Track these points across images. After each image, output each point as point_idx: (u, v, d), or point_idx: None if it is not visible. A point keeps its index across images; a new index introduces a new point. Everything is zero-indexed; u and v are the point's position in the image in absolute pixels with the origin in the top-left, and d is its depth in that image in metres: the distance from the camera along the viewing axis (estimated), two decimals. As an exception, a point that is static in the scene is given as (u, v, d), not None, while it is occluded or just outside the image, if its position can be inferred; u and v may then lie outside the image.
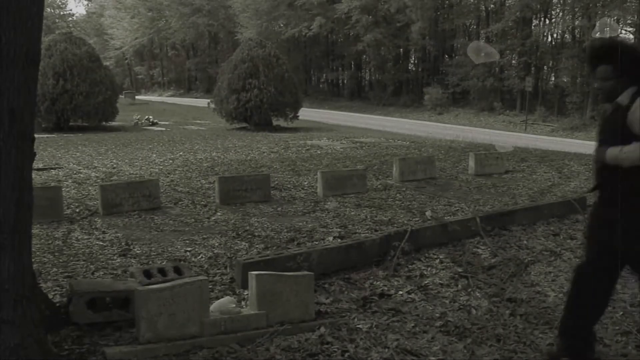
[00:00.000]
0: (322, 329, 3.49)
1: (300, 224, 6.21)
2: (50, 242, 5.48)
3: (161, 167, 10.58)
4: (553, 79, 33.49)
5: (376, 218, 6.46)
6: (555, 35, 33.95)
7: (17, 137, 2.66)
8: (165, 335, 3.20)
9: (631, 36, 30.79)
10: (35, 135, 2.89)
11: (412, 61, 42.98)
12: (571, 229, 6.11)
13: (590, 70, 3.00)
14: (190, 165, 10.73)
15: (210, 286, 3.97)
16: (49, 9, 61.00)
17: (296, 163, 11.05)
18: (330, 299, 4.07)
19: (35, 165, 3.41)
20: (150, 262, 4.88)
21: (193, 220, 6.48)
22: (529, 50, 31.63)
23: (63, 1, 71.12)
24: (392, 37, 37.82)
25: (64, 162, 11.09)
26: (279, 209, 7.07)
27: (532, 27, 32.95)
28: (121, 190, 6.80)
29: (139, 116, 23.54)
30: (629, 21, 28.95)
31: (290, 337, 3.42)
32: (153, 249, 5.31)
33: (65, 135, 17.33)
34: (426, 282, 4.44)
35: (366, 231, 5.81)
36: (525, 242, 5.57)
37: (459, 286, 4.35)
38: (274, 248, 5.28)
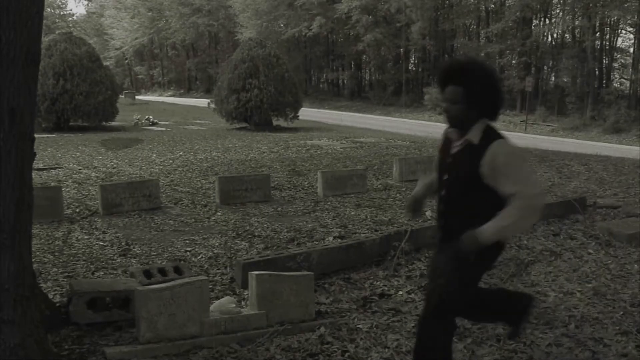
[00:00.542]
0: (322, 329, 3.49)
1: (300, 224, 6.22)
2: (50, 242, 5.48)
3: (161, 167, 10.58)
4: (553, 79, 33.49)
5: (376, 218, 6.46)
6: (555, 35, 33.97)
7: (17, 137, 2.66)
8: (165, 335, 3.20)
9: (631, 36, 30.88)
10: (35, 135, 2.89)
11: (412, 61, 42.98)
12: (571, 229, 6.11)
13: (440, 88, 2.61)
14: (191, 165, 10.73)
15: (210, 286, 3.97)
16: (49, 9, 61.00)
17: (296, 163, 11.04)
18: (330, 299, 4.07)
19: (35, 165, 3.41)
20: (150, 262, 4.88)
21: (193, 220, 6.48)
22: (529, 50, 31.63)
23: (63, 1, 71.21)
24: (392, 37, 37.82)
25: (64, 162, 11.09)
26: (279, 209, 7.07)
27: (532, 27, 32.96)
28: (121, 190, 6.80)
29: (139, 116, 23.53)
30: (629, 21, 28.94)
31: (290, 337, 3.42)
32: (153, 249, 5.31)
33: (65, 135, 17.33)
34: (426, 282, 4.44)
35: (366, 231, 5.81)
36: (525, 242, 5.57)
37: (459, 286, 4.35)
38: (274, 248, 5.28)
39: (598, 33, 29.99)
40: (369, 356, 3.21)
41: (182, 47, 59.15)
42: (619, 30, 32.00)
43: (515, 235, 5.42)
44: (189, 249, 5.31)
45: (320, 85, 49.27)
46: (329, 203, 7.35)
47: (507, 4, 33.38)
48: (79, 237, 5.68)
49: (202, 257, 5.03)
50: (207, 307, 3.40)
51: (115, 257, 5.03)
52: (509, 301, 2.89)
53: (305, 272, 3.90)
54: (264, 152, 12.89)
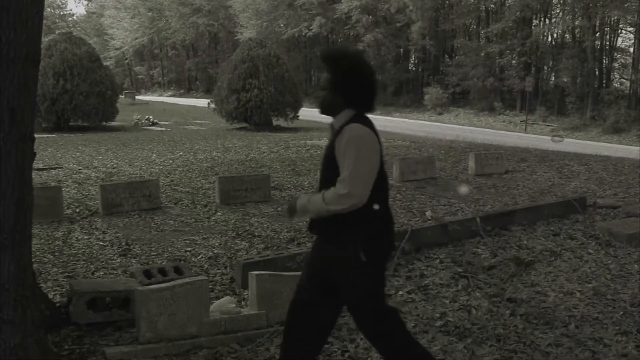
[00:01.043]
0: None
1: (300, 224, 6.21)
2: (50, 242, 5.48)
3: (161, 167, 10.58)
4: (553, 79, 33.48)
5: (376, 218, 6.45)
6: (555, 35, 33.94)
7: (17, 137, 2.66)
8: (165, 335, 3.20)
9: (631, 36, 30.86)
10: (35, 135, 2.89)
11: (412, 61, 42.97)
12: (571, 229, 6.11)
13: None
14: (191, 165, 10.73)
15: (210, 286, 3.97)
16: (49, 9, 61.02)
17: (296, 163, 11.04)
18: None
19: (35, 165, 3.41)
20: (150, 262, 4.88)
21: (193, 220, 6.48)
22: (529, 50, 31.61)
23: (63, 1, 71.20)
24: (392, 37, 37.80)
25: (64, 162, 11.09)
26: (279, 209, 7.07)
27: (532, 27, 32.94)
28: (121, 190, 6.80)
29: (139, 116, 23.54)
30: (629, 21, 28.93)
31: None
32: (153, 249, 5.31)
33: (65, 135, 17.33)
34: (426, 282, 4.44)
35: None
36: (525, 242, 5.57)
37: (459, 286, 4.35)
38: (274, 248, 5.28)
39: (598, 33, 29.97)
40: (369, 356, 3.21)
41: (182, 47, 59.16)
42: (619, 30, 31.99)
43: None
44: (189, 249, 5.31)
45: (320, 85, 49.22)
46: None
47: (507, 4, 33.36)
48: (79, 237, 5.68)
49: (202, 257, 5.04)
50: (207, 307, 3.40)
51: (115, 257, 5.03)
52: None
53: (305, 272, 3.89)
54: (264, 152, 12.89)
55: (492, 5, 34.54)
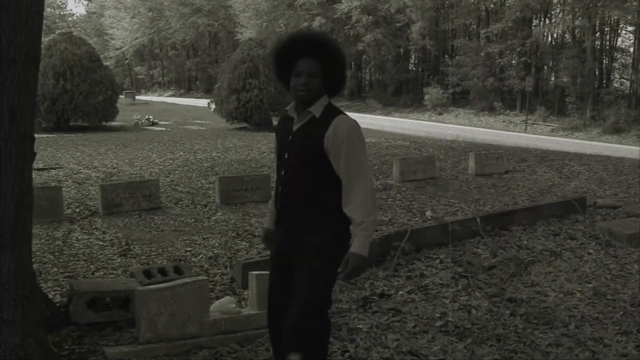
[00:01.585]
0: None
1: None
2: (50, 242, 5.48)
3: (161, 167, 10.58)
4: (553, 79, 33.47)
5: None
6: (555, 35, 33.94)
7: (17, 137, 2.66)
8: (165, 335, 3.20)
9: (631, 36, 30.86)
10: (35, 135, 2.89)
11: (412, 61, 42.96)
12: (571, 229, 6.11)
13: (283, 61, 2.42)
14: (191, 165, 10.73)
15: (210, 286, 3.97)
16: (49, 9, 61.00)
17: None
18: (330, 299, 4.07)
19: (35, 165, 3.41)
20: (150, 262, 4.88)
21: (193, 220, 6.48)
22: (529, 50, 31.60)
23: (63, 1, 71.23)
24: (392, 37, 37.79)
25: (64, 162, 11.09)
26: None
27: (532, 27, 32.93)
28: (121, 190, 6.80)
29: (139, 116, 23.54)
30: (629, 21, 28.92)
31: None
32: (153, 249, 5.31)
33: (65, 135, 17.33)
34: (426, 282, 4.44)
35: (366, 231, 5.80)
36: (525, 242, 5.57)
37: (459, 286, 4.35)
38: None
39: (598, 33, 29.97)
40: (369, 356, 3.21)
41: (182, 47, 59.16)
42: (619, 30, 31.99)
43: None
44: (189, 249, 5.31)
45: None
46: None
47: (507, 4, 33.35)
48: (79, 237, 5.68)
49: (202, 257, 5.04)
50: (207, 307, 3.40)
51: (115, 257, 5.03)
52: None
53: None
54: (264, 152, 12.88)
55: (492, 5, 34.53)
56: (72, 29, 49.16)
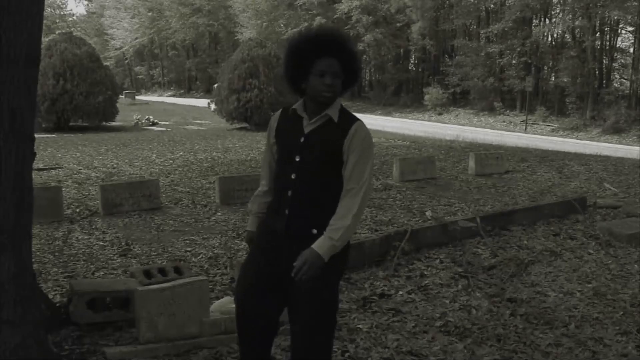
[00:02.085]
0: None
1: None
2: (50, 242, 5.48)
3: (161, 167, 10.58)
4: (553, 79, 33.46)
5: (376, 218, 6.46)
6: (555, 35, 33.94)
7: (17, 137, 2.66)
8: (165, 335, 3.20)
9: (631, 36, 30.85)
10: (36, 135, 2.88)
11: (412, 61, 42.97)
12: (571, 229, 6.11)
13: (301, 61, 2.27)
14: (191, 165, 10.73)
15: (210, 286, 3.97)
16: (49, 9, 61.04)
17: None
18: (330, 299, 4.07)
19: (35, 165, 3.41)
20: (151, 262, 4.88)
21: (193, 220, 6.48)
22: (529, 50, 31.61)
23: (63, 1, 71.21)
24: (392, 37, 37.81)
25: (64, 162, 11.09)
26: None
27: (532, 27, 32.93)
28: (121, 190, 6.80)
29: (139, 116, 23.54)
30: (629, 21, 28.92)
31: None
32: (153, 249, 5.31)
33: (65, 135, 17.33)
34: (426, 282, 4.44)
35: (366, 231, 5.81)
36: (525, 242, 5.57)
37: (459, 286, 4.35)
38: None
39: (598, 33, 29.96)
40: (369, 356, 3.21)
41: (182, 47, 59.17)
42: (619, 31, 31.99)
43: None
44: (189, 249, 5.31)
45: (320, 86, 49.22)
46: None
47: (507, 4, 33.34)
48: (79, 237, 5.68)
49: (202, 257, 5.04)
50: (207, 307, 3.40)
51: (115, 257, 5.03)
52: None
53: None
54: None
55: (492, 5, 34.52)
56: (72, 29, 49.18)
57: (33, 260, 3.09)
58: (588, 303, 4.05)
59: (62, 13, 69.74)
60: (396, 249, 4.92)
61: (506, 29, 31.65)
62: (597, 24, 29.04)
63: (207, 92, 47.10)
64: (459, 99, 35.62)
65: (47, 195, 6.22)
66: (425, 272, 4.66)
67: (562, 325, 3.65)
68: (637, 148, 18.50)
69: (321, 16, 38.98)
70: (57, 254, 5.09)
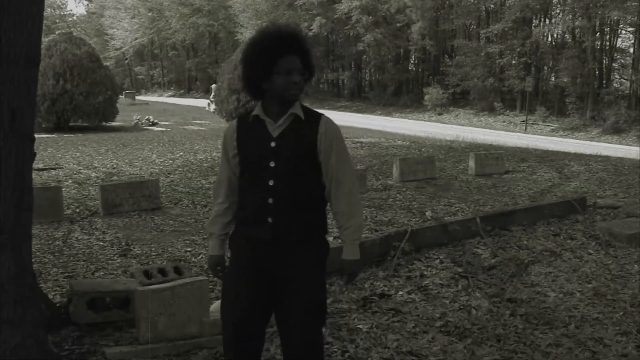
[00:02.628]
0: (322, 329, 3.49)
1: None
2: (50, 242, 5.48)
3: (161, 167, 10.58)
4: (553, 79, 33.47)
5: (376, 218, 6.46)
6: (555, 35, 33.94)
7: (17, 137, 2.66)
8: (165, 336, 3.20)
9: (631, 36, 30.84)
10: (36, 135, 2.88)
11: (412, 61, 42.95)
12: (571, 229, 6.11)
13: (265, 59, 2.17)
14: (191, 165, 10.73)
15: (210, 286, 3.97)
16: (49, 9, 61.03)
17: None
18: (330, 299, 4.06)
19: (35, 165, 3.41)
20: (150, 262, 4.88)
21: (193, 220, 6.48)
22: (529, 50, 31.61)
23: (63, 1, 71.21)
24: (392, 37, 37.80)
25: (64, 162, 11.09)
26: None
27: (532, 27, 32.93)
28: (121, 191, 6.80)
29: (139, 116, 23.54)
30: (629, 21, 28.92)
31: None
32: (153, 249, 5.31)
33: (65, 135, 17.32)
34: (426, 282, 4.44)
35: (366, 231, 5.81)
36: (525, 242, 5.57)
37: (459, 286, 4.35)
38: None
39: (598, 33, 29.96)
40: (369, 356, 3.21)
41: (182, 48, 59.17)
42: (619, 31, 31.97)
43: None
44: (189, 249, 5.31)
45: (320, 86, 49.24)
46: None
47: (507, 4, 33.34)
48: (79, 238, 5.68)
49: (202, 257, 5.04)
50: (207, 307, 3.40)
51: (115, 258, 5.03)
52: None
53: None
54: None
55: (492, 6, 34.52)
56: (72, 29, 49.19)
57: (33, 260, 3.09)
58: (588, 303, 4.05)
59: (62, 13, 69.72)
60: (396, 249, 4.92)
61: (506, 29, 31.65)
62: (597, 24, 29.03)
63: (207, 93, 47.02)
64: (458, 99, 35.62)
65: (47, 195, 6.23)
66: (425, 272, 4.66)
67: (562, 326, 3.65)
68: (637, 148, 18.50)
69: (321, 16, 38.99)
70: (57, 254, 5.09)
